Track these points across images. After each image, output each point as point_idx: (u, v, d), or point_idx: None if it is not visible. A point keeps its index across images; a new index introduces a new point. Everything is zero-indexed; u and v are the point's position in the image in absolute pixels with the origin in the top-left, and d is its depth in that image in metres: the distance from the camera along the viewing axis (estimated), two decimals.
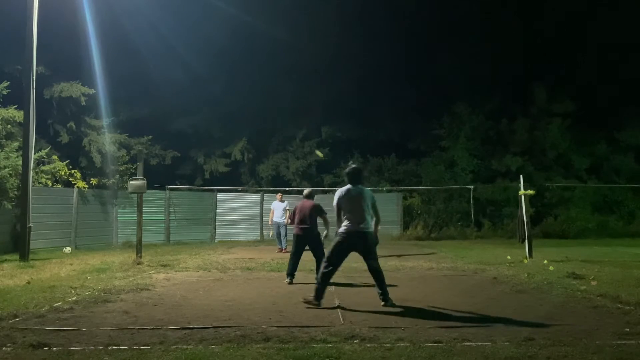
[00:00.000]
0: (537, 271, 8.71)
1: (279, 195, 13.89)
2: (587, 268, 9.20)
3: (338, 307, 5.88)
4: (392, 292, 6.92)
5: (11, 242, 13.01)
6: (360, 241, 6.11)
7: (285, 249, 12.98)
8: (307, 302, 5.97)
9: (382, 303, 5.95)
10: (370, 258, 6.14)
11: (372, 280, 8.06)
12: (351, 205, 6.14)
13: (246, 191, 20.31)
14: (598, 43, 23.99)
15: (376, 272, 6.12)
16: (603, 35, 23.93)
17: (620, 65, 23.27)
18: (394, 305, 5.88)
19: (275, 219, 13.38)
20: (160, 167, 21.48)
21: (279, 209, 13.38)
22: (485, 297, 6.58)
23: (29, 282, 7.64)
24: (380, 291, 6.04)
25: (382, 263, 10.30)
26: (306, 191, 8.74)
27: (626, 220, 20.03)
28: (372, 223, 6.24)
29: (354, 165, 6.45)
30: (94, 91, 17.15)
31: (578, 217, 19.84)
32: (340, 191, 6.27)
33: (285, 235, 13.27)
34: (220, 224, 18.86)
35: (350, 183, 6.26)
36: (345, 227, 6.13)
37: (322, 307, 5.86)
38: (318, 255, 8.05)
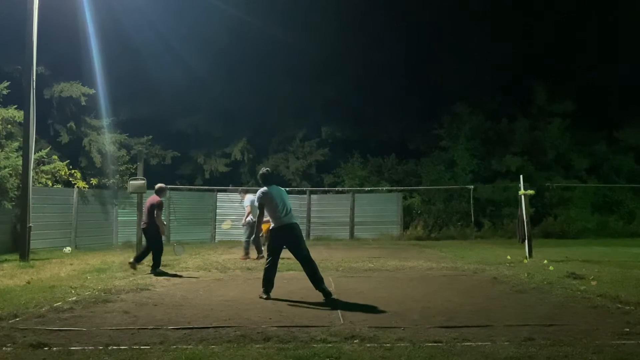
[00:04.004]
0: (537, 271, 8.71)
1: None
2: (587, 268, 9.19)
3: (338, 307, 5.88)
4: (392, 292, 6.94)
5: (11, 242, 13.01)
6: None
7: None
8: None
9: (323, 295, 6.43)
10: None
11: (371, 280, 8.11)
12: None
13: (246, 191, 20.29)
14: (598, 43, 24.04)
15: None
16: (603, 35, 23.99)
17: (621, 65, 23.31)
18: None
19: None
20: (160, 167, 21.47)
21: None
22: (485, 297, 6.58)
23: (29, 282, 7.65)
24: (317, 284, 6.56)
25: (382, 263, 10.40)
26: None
27: (626, 220, 20.04)
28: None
29: (267, 168, 7.26)
30: (94, 91, 17.16)
31: (578, 217, 19.85)
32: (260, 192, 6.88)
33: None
34: (221, 224, 18.86)
35: (266, 184, 6.88)
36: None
37: (321, 307, 5.87)
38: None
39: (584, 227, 19.34)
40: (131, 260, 9.21)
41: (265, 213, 6.85)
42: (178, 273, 8.97)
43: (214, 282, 7.95)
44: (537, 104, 22.97)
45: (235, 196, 19.30)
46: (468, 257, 11.54)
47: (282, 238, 6.72)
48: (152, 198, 9.23)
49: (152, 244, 9.13)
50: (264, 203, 6.77)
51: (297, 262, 8.61)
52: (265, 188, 6.84)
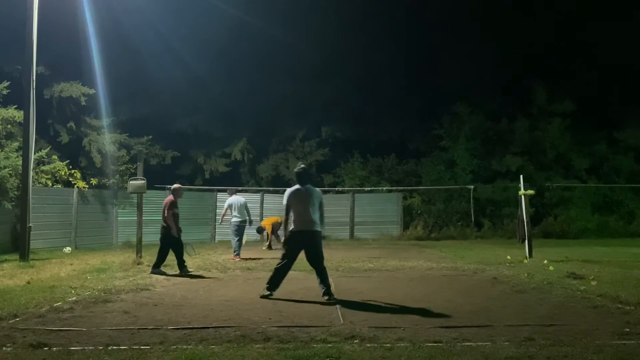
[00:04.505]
0: (537, 271, 8.71)
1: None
2: (587, 268, 9.19)
3: (338, 307, 5.88)
4: (392, 292, 6.95)
5: (11, 242, 12.99)
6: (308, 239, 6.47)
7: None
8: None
9: (325, 297, 6.22)
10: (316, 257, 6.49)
11: (371, 280, 8.12)
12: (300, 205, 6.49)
13: (246, 191, 20.32)
14: (598, 43, 24.01)
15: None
16: (603, 35, 23.96)
17: (621, 65, 23.29)
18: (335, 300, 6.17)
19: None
20: (160, 167, 21.46)
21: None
22: (485, 297, 6.58)
23: (29, 282, 7.64)
24: (324, 287, 6.33)
25: (382, 263, 10.41)
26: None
27: (626, 220, 20.05)
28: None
29: (302, 166, 6.89)
30: (94, 91, 17.16)
31: (578, 217, 19.86)
32: (288, 191, 6.60)
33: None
34: (221, 224, 18.86)
35: (299, 183, 6.59)
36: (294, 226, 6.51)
37: (321, 307, 5.87)
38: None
39: (584, 227, 19.35)
40: (179, 271, 8.88)
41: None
42: (178, 273, 8.97)
43: (214, 282, 7.96)
44: (537, 104, 22.98)
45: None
46: (468, 257, 11.54)
47: (301, 242, 6.46)
48: (167, 199, 9.22)
49: (170, 243, 9.03)
50: (291, 204, 6.48)
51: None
52: (296, 187, 6.57)
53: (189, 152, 23.22)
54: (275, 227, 14.23)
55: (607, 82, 23.05)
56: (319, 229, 6.53)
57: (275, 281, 6.47)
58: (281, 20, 23.82)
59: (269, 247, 14.16)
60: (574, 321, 5.09)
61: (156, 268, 8.87)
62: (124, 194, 16.46)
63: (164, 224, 9.06)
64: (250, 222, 12.20)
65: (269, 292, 6.39)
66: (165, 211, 8.98)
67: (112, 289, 7.01)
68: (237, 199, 12.08)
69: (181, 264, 8.97)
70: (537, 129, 22.52)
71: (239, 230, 11.79)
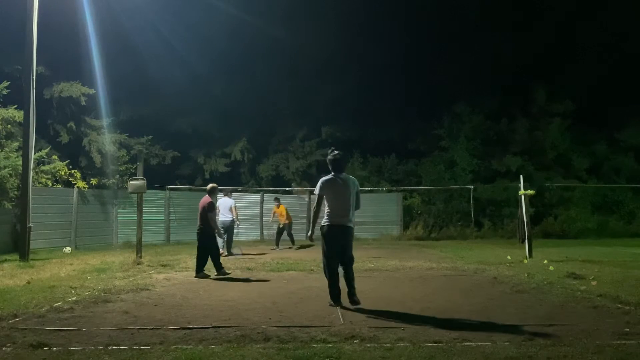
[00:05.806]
0: (537, 271, 8.71)
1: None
2: (587, 268, 9.19)
3: (338, 307, 5.87)
4: (392, 292, 6.95)
5: (11, 242, 13.00)
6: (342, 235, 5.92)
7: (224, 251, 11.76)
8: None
9: (328, 301, 5.93)
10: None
11: (371, 280, 8.11)
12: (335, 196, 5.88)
13: (246, 191, 20.33)
14: (598, 43, 24.04)
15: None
16: (603, 35, 23.98)
17: (621, 65, 23.32)
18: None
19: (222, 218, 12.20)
20: (160, 167, 21.47)
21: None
22: (485, 297, 6.58)
23: (29, 282, 7.64)
24: (349, 287, 5.90)
25: (382, 263, 10.40)
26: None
27: (626, 220, 20.07)
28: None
29: (337, 152, 6.11)
30: (94, 91, 17.18)
31: (578, 217, 19.87)
32: (322, 180, 5.96)
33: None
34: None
35: (334, 171, 5.99)
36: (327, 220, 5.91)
37: (321, 307, 5.87)
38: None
39: (584, 227, 19.36)
40: (195, 275, 8.59)
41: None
42: (178, 273, 8.97)
43: (214, 282, 7.95)
44: (537, 104, 22.99)
45: (236, 196, 19.35)
46: (468, 257, 11.54)
47: (335, 238, 5.87)
48: (204, 199, 8.94)
49: (209, 246, 8.79)
50: (324, 195, 5.85)
51: (297, 262, 8.63)
52: (330, 176, 5.93)
53: (189, 152, 23.23)
54: (281, 226, 14.40)
55: (607, 82, 23.07)
56: (352, 225, 5.97)
57: (331, 290, 5.89)
58: (281, 20, 23.88)
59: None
60: (574, 321, 5.09)
61: (199, 272, 8.60)
62: (124, 194, 16.47)
63: (201, 226, 8.84)
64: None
65: (335, 304, 5.81)
66: (208, 214, 8.78)
67: (112, 289, 7.01)
68: (225, 200, 12.48)
69: (219, 265, 8.70)
70: (537, 129, 22.53)
71: (225, 230, 11.94)
